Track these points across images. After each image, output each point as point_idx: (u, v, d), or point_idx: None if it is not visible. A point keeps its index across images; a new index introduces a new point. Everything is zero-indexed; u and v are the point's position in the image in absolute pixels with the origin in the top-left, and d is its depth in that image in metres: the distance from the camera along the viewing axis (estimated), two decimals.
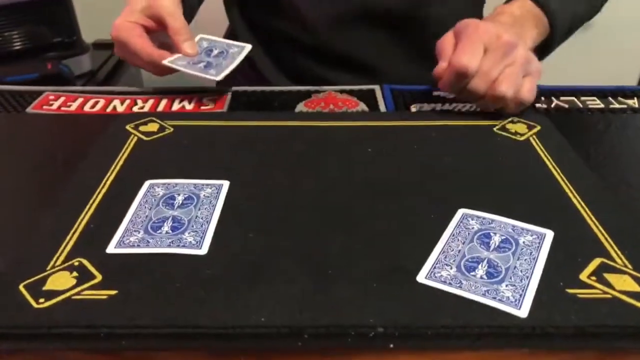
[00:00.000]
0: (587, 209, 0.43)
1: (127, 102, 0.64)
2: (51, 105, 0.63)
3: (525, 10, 0.63)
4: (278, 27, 0.78)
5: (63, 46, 1.18)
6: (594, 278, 0.37)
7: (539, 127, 0.56)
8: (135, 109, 0.62)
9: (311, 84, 0.70)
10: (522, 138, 0.54)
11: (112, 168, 0.49)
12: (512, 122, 0.57)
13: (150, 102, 0.64)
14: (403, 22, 0.75)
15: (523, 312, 0.34)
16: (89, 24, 1.30)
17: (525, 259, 0.38)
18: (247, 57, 0.70)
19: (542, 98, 0.66)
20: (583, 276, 0.37)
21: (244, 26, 0.82)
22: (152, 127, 0.55)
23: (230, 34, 0.87)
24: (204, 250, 0.39)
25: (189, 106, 0.62)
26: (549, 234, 0.40)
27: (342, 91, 0.67)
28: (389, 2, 0.73)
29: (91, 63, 1.27)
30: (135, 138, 0.54)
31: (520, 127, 0.56)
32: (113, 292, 0.35)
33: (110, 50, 1.39)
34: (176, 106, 0.63)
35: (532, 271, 0.37)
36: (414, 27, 0.76)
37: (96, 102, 0.64)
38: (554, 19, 0.63)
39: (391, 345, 0.33)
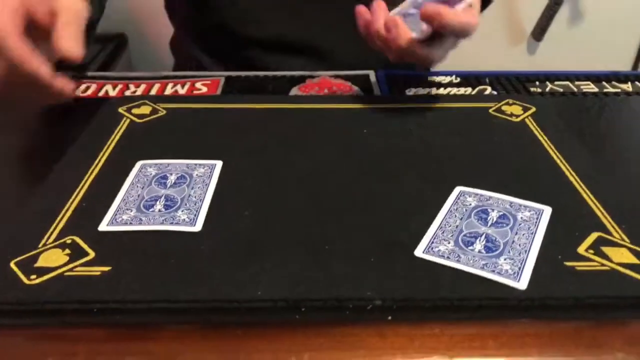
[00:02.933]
0: (584, 186, 0.43)
1: (120, 87, 0.63)
2: None
3: None
4: (217, 22, 0.73)
5: None
6: (591, 251, 0.37)
7: (534, 109, 0.56)
8: (127, 93, 0.61)
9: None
10: (518, 119, 0.54)
11: (104, 149, 0.48)
12: (507, 103, 0.56)
13: (143, 87, 0.63)
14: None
15: (522, 284, 0.34)
16: None
17: (523, 234, 0.38)
18: (195, 60, 0.70)
19: (537, 82, 0.66)
20: (581, 250, 0.37)
21: (187, 31, 0.79)
22: (145, 109, 0.55)
23: (173, 39, 0.85)
24: (197, 227, 0.39)
25: (181, 91, 0.62)
26: (547, 210, 0.40)
27: (336, 76, 0.66)
28: None
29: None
30: (128, 120, 0.53)
31: (516, 109, 0.55)
32: (106, 268, 0.35)
33: (101, 44, 1.39)
34: (169, 91, 0.62)
35: (531, 245, 0.37)
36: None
37: (87, 87, 0.63)
38: None
39: (389, 318, 0.32)
